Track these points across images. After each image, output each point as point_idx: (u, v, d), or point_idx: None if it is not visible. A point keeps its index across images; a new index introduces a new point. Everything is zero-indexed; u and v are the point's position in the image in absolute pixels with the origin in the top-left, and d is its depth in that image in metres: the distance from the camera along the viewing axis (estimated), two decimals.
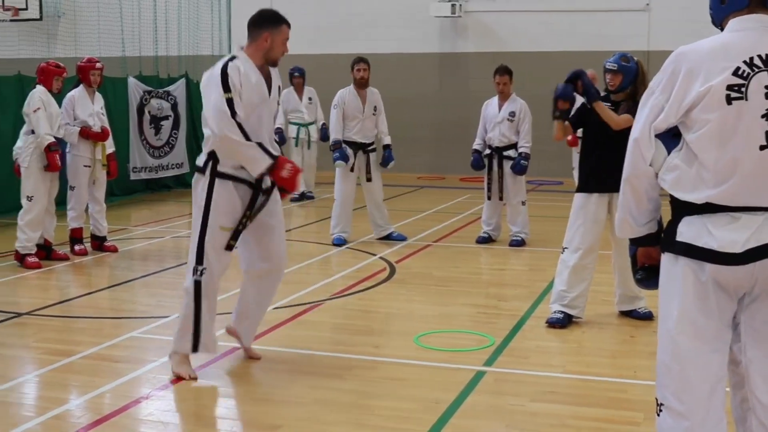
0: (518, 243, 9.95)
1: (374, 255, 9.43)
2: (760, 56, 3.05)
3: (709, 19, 3.35)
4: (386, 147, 10.19)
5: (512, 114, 9.84)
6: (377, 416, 4.86)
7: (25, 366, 5.91)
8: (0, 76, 11.90)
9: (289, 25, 5.45)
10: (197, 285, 5.35)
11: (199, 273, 5.34)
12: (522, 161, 9.74)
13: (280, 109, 13.68)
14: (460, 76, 17.44)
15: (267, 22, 5.40)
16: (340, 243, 9.99)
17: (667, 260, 3.25)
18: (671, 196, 3.22)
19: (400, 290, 7.91)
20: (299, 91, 13.89)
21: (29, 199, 8.78)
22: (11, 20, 16.78)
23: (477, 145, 10.06)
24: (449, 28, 17.53)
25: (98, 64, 9.47)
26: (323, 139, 13.83)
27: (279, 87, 5.59)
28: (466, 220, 11.94)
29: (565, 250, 6.67)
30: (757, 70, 3.03)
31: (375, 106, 10.07)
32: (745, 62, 3.04)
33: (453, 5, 16.87)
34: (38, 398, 5.32)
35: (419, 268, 8.84)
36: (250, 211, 5.39)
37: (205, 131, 5.33)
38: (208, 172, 5.31)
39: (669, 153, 3.24)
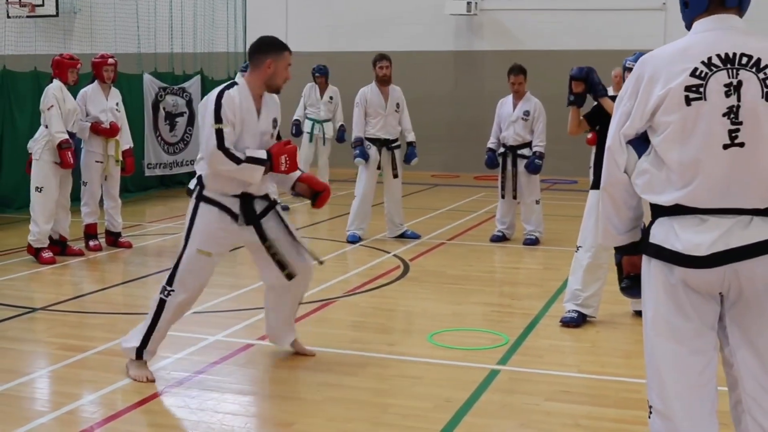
0: (532, 242, 9.93)
1: (388, 253, 9.43)
2: (719, 55, 3.04)
3: None
4: (410, 144, 10.21)
5: (527, 113, 9.81)
6: (391, 414, 4.86)
7: (38, 361, 5.93)
8: (17, 72, 11.95)
9: (290, 52, 5.43)
10: (161, 303, 5.37)
11: (166, 293, 5.35)
12: (536, 160, 9.72)
13: (301, 102, 13.74)
14: (476, 75, 17.42)
15: (269, 49, 5.36)
16: (354, 240, 9.99)
17: (643, 262, 3.26)
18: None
19: (414, 288, 7.90)
20: (322, 89, 13.90)
21: (38, 189, 8.80)
22: (28, 16, 16.82)
23: (491, 143, 10.05)
24: (465, 27, 17.50)
25: (111, 60, 9.49)
26: (339, 140, 13.85)
27: (275, 119, 5.49)
28: (480, 218, 11.92)
29: (579, 248, 6.65)
30: (715, 69, 3.03)
31: (397, 103, 10.09)
32: (703, 62, 3.05)
33: (469, 3, 16.83)
34: (52, 393, 5.33)
35: (433, 266, 8.83)
36: (267, 242, 5.40)
37: (199, 154, 5.34)
38: (195, 195, 5.36)
39: (639, 158, 3.24)
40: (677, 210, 3.08)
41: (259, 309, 6.96)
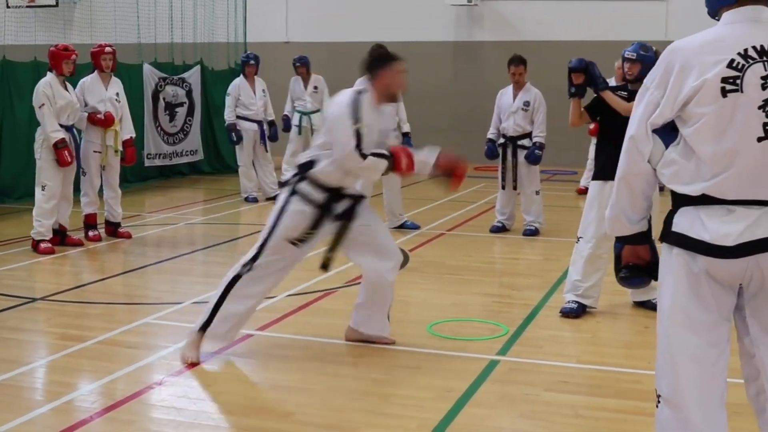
0: (532, 232, 9.93)
1: None
2: (755, 47, 3.03)
3: None
4: (405, 135, 10.20)
5: (527, 103, 9.80)
6: (390, 404, 4.86)
7: (38, 351, 5.93)
8: (16, 62, 11.94)
9: (400, 60, 5.66)
10: (235, 279, 5.50)
11: (247, 269, 5.48)
12: (536, 151, 9.71)
13: (288, 97, 13.71)
14: (476, 66, 17.39)
15: (381, 63, 5.61)
16: None
17: (664, 250, 3.23)
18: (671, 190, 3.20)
19: (413, 279, 7.89)
20: (305, 80, 13.90)
21: (43, 188, 8.81)
22: (27, 6, 16.79)
23: (491, 134, 10.04)
24: (465, 17, 17.47)
25: (108, 49, 9.46)
26: None
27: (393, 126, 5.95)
28: (479, 209, 11.92)
29: (580, 239, 6.65)
30: (752, 61, 3.01)
31: None
32: (739, 54, 3.02)
33: None
34: (51, 383, 5.33)
35: (433, 257, 8.83)
36: (337, 240, 5.59)
37: (317, 150, 5.54)
38: (291, 186, 5.52)
39: (666, 148, 3.21)
40: (704, 200, 3.07)
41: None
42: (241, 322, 5.64)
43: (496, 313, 6.76)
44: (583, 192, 13.25)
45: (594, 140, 13.18)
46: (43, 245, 8.78)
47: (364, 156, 5.32)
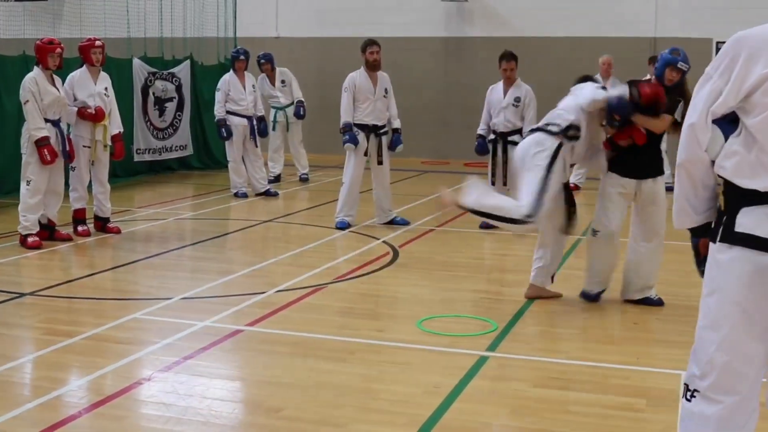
0: None
1: (377, 239, 9.42)
2: None
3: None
4: (395, 131, 10.20)
5: (517, 99, 9.80)
6: (380, 400, 4.86)
7: (27, 346, 5.91)
8: (5, 56, 11.89)
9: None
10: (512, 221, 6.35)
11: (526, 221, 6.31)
12: None
13: (260, 96, 13.59)
14: (466, 61, 17.37)
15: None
16: (343, 227, 9.98)
17: (718, 249, 3.17)
18: (727, 187, 3.14)
19: (403, 274, 7.90)
20: (270, 77, 13.93)
21: (28, 183, 8.77)
22: (16, 0, 16.73)
23: (481, 130, 10.04)
24: (455, 13, 17.45)
25: (98, 42, 9.42)
26: (297, 115, 13.83)
27: None
28: None
29: (597, 233, 6.84)
30: None
31: (386, 89, 10.07)
32: None
33: None
34: (40, 378, 5.31)
35: (422, 253, 8.83)
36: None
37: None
38: (559, 140, 6.60)
39: (726, 139, 3.17)
40: (766, 198, 3.03)
41: (247, 295, 6.97)
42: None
43: (485, 309, 6.76)
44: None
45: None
46: (30, 239, 8.74)
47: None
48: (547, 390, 5.03)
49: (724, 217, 3.15)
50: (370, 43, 9.99)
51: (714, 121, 3.17)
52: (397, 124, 10.22)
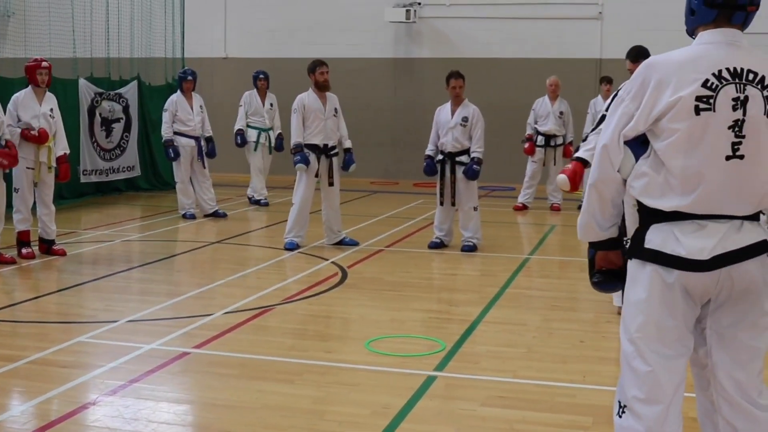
0: (470, 248, 9.98)
1: (326, 260, 9.41)
2: (728, 69, 3.15)
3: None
4: (347, 150, 10.22)
5: (465, 119, 9.87)
6: (328, 421, 4.85)
7: None
8: None
9: None
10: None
11: None
12: (474, 166, 9.78)
13: (241, 111, 13.69)
14: (415, 82, 17.48)
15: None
16: (292, 247, 9.95)
17: (633, 266, 3.32)
18: (639, 204, 3.29)
19: (351, 295, 7.89)
20: (262, 96, 13.87)
21: None
22: None
23: (430, 150, 10.09)
24: (404, 34, 17.57)
25: (44, 63, 9.33)
26: (278, 148, 13.84)
27: None
28: (418, 225, 11.96)
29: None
30: (725, 82, 3.13)
31: (336, 108, 10.10)
32: (713, 74, 3.14)
33: (408, 11, 16.90)
34: None
35: (371, 273, 8.83)
36: None
37: None
38: None
39: (637, 160, 3.30)
40: (675, 216, 3.17)
41: (194, 317, 6.93)
42: None
43: (434, 329, 6.78)
44: (520, 209, 13.40)
45: (531, 158, 13.38)
46: None
47: None
48: (494, 409, 5.05)
49: (636, 232, 3.31)
50: (320, 63, 10.02)
51: (626, 142, 3.31)
52: (348, 144, 10.25)
